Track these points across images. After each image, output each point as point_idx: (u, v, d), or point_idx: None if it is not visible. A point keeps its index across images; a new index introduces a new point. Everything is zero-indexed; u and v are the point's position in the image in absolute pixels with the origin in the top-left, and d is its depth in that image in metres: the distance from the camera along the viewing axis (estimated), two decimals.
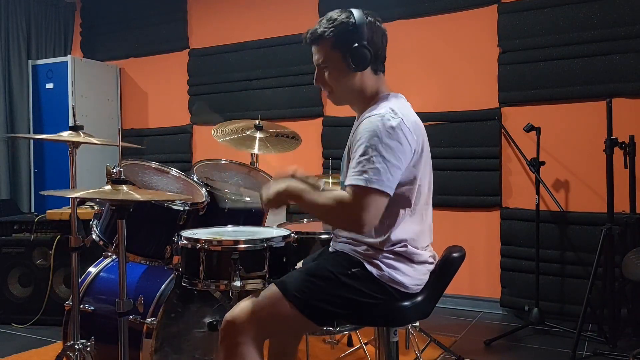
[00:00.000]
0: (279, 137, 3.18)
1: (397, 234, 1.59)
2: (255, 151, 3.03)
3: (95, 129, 4.75)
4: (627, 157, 3.07)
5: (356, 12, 1.63)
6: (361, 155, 1.50)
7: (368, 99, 1.68)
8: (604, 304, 3.11)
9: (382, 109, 1.56)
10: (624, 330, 3.09)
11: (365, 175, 1.47)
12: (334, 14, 1.65)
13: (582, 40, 3.47)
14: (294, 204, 1.62)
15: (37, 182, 5.00)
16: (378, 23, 1.66)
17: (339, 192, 1.52)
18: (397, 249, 1.59)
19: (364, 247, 1.61)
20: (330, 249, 1.75)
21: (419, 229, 1.64)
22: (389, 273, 1.57)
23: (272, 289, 1.61)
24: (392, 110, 1.55)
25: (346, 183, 1.51)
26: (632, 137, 3.08)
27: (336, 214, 1.52)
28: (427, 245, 1.69)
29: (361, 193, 1.47)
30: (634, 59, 3.33)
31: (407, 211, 1.61)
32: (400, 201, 1.59)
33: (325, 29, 1.63)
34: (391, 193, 1.50)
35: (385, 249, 1.59)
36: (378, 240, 1.59)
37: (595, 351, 2.92)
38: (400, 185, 1.56)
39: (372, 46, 1.62)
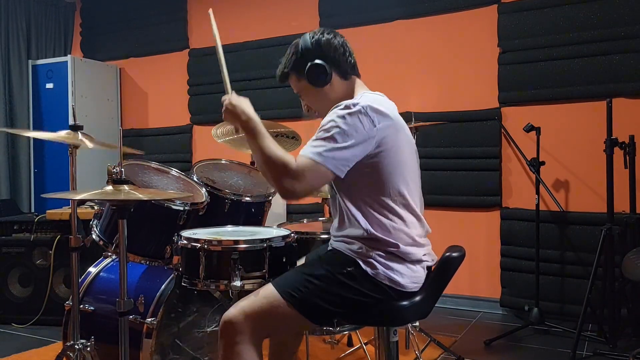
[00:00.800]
0: (279, 137, 3.18)
1: (384, 228, 1.60)
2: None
3: (95, 129, 4.78)
4: (627, 157, 3.07)
5: (302, 39, 1.75)
6: (318, 135, 1.56)
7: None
8: (604, 304, 3.11)
9: (348, 100, 1.62)
10: (624, 330, 3.09)
11: (320, 149, 1.52)
12: (289, 49, 1.79)
13: (582, 40, 3.47)
14: (241, 132, 1.67)
15: (37, 182, 5.00)
16: (327, 37, 1.73)
17: (287, 155, 1.55)
18: (390, 249, 1.59)
19: (358, 246, 1.61)
20: (328, 247, 1.75)
21: (407, 224, 1.63)
22: (383, 272, 1.57)
23: (269, 288, 1.62)
24: (357, 101, 1.60)
25: (301, 152, 1.56)
26: (632, 137, 3.08)
27: (274, 170, 1.55)
28: (422, 240, 1.68)
29: (306, 164, 1.52)
30: (634, 59, 3.34)
31: (391, 205, 1.61)
32: (380, 194, 1.60)
33: (284, 67, 1.79)
34: (337, 172, 1.54)
35: (378, 249, 1.59)
36: (365, 233, 1.60)
37: (595, 351, 2.92)
38: (375, 176, 1.59)
39: (327, 60, 1.71)
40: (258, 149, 1.59)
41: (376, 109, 1.59)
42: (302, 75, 1.74)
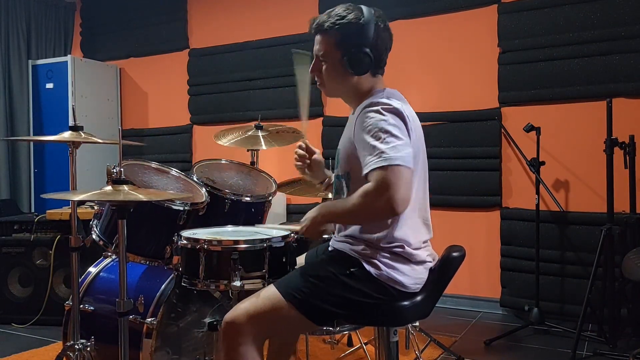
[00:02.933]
0: (280, 132, 3.20)
1: (394, 230, 1.59)
2: (263, 147, 3.04)
3: (95, 129, 4.75)
4: (627, 157, 3.07)
5: (366, 13, 1.60)
6: (374, 140, 1.48)
7: (362, 97, 1.67)
8: (604, 304, 3.10)
9: (380, 98, 1.57)
10: (624, 330, 3.09)
11: (385, 155, 1.44)
12: (344, 10, 1.61)
13: (582, 40, 3.47)
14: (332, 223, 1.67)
15: (37, 182, 4.99)
16: (386, 26, 1.64)
17: (360, 189, 1.47)
18: (395, 249, 1.59)
19: (362, 247, 1.60)
20: (329, 248, 1.75)
21: (416, 226, 1.64)
22: (387, 272, 1.57)
23: (271, 289, 1.61)
24: (390, 98, 1.58)
25: (366, 170, 1.47)
26: (632, 137, 3.08)
27: (369, 207, 1.45)
28: (426, 243, 1.69)
29: (385, 174, 1.43)
30: (634, 59, 3.33)
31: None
32: None
33: (332, 25, 1.61)
34: (411, 166, 1.47)
35: (383, 249, 1.59)
36: (376, 236, 1.59)
37: (595, 351, 2.92)
38: None
39: (375, 51, 1.61)
40: (345, 217, 1.58)
41: (407, 107, 1.59)
42: (341, 49, 1.60)
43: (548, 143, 3.51)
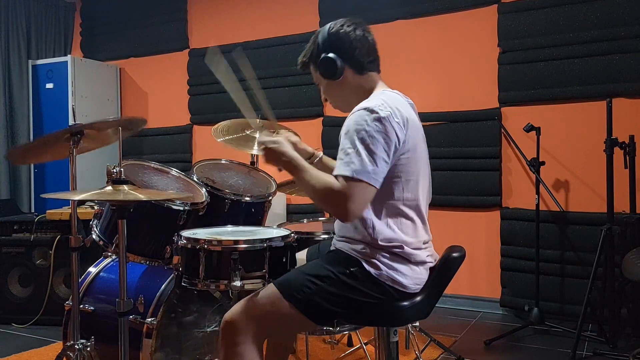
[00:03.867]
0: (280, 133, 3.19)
1: (391, 230, 1.59)
2: (254, 152, 3.03)
3: None
4: (627, 157, 3.07)
5: (322, 29, 1.72)
6: (348, 146, 1.53)
7: (363, 98, 1.69)
8: (604, 304, 3.11)
9: (372, 101, 1.58)
10: (624, 330, 3.09)
11: (353, 166, 1.50)
12: (311, 40, 1.77)
13: (582, 40, 3.47)
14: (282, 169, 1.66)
15: (37, 182, 4.99)
16: (346, 29, 1.70)
17: (329, 179, 1.53)
18: (394, 249, 1.59)
19: (362, 246, 1.61)
20: (331, 247, 1.75)
21: (414, 226, 1.64)
22: (387, 273, 1.57)
23: (271, 288, 1.61)
24: (383, 103, 1.57)
25: (334, 172, 1.53)
26: (632, 137, 3.08)
27: (324, 198, 1.54)
28: (426, 244, 1.69)
29: (347, 183, 1.49)
30: (634, 59, 3.33)
31: (400, 207, 1.61)
32: (391, 196, 1.60)
33: (303, 56, 1.78)
34: (377, 185, 1.52)
35: (382, 249, 1.59)
36: (371, 234, 1.59)
37: (595, 351, 2.92)
38: (391, 180, 1.57)
39: (341, 53, 1.68)
40: (305, 184, 1.59)
41: (401, 113, 1.58)
42: (315, 67, 1.74)
43: (548, 143, 3.51)
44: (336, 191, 1.50)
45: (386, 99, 1.60)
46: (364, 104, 1.58)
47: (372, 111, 1.53)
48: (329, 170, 1.72)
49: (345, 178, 1.50)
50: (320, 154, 1.90)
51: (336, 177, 1.52)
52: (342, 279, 1.58)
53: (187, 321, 2.23)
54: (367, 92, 1.70)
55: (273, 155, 1.64)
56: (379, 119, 1.52)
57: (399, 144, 1.56)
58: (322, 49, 1.69)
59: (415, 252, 1.62)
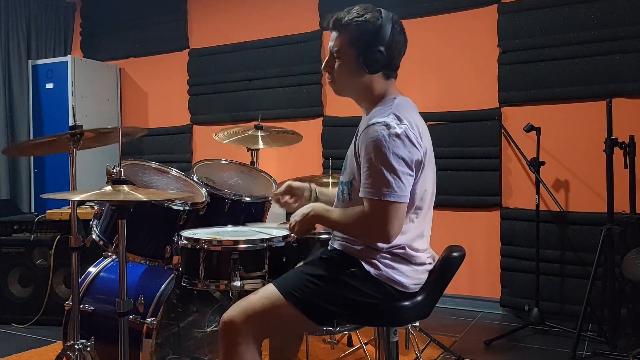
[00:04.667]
0: (280, 133, 3.21)
1: (399, 237, 1.58)
2: (260, 146, 3.05)
3: None
4: (627, 157, 3.07)
5: (384, 14, 1.63)
6: (371, 168, 1.51)
7: (374, 100, 1.68)
8: (604, 304, 3.11)
9: (387, 115, 1.55)
10: (624, 330, 3.09)
11: (382, 189, 1.48)
12: (363, 9, 1.63)
13: (582, 40, 3.47)
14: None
15: (37, 182, 4.99)
16: (402, 30, 1.67)
17: (359, 209, 1.54)
18: (396, 250, 1.59)
19: (361, 247, 1.61)
20: (328, 248, 1.75)
21: (420, 232, 1.64)
22: (386, 273, 1.57)
23: (270, 288, 1.61)
24: (397, 117, 1.54)
25: (362, 195, 1.53)
26: (632, 137, 3.08)
27: (361, 230, 1.56)
28: (426, 248, 1.69)
29: (379, 206, 1.49)
30: (634, 59, 3.33)
31: (411, 214, 1.61)
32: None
33: (350, 21, 1.62)
34: (406, 201, 1.52)
35: (382, 250, 1.59)
36: (372, 243, 1.59)
37: (595, 351, 2.92)
38: None
39: (389, 53, 1.62)
40: (337, 225, 1.62)
41: (416, 123, 1.57)
42: (356, 47, 1.61)
43: (548, 143, 3.51)
44: (370, 217, 1.51)
45: (398, 111, 1.57)
46: (379, 118, 1.54)
47: (388, 126, 1.51)
48: (330, 198, 1.80)
49: (376, 202, 1.49)
50: (314, 185, 1.92)
51: (365, 201, 1.52)
52: (342, 278, 1.58)
53: (187, 321, 2.23)
54: (379, 95, 1.67)
55: (302, 228, 1.69)
56: (397, 135, 1.50)
57: (421, 156, 1.55)
58: (379, 38, 1.59)
59: (417, 253, 1.62)
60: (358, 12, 1.62)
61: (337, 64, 1.66)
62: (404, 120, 1.54)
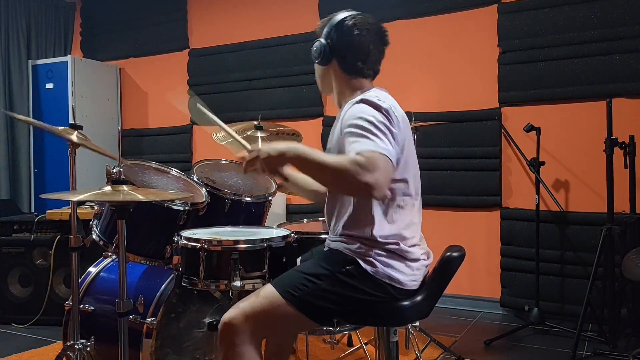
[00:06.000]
0: (280, 135, 3.19)
1: (384, 228, 1.59)
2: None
3: (95, 129, 4.79)
4: (627, 157, 3.07)
5: (342, 14, 1.72)
6: (361, 129, 1.48)
7: (345, 94, 1.75)
8: (604, 304, 3.11)
9: (369, 95, 1.61)
10: (624, 330, 3.09)
11: (371, 144, 1.45)
12: (335, 15, 1.75)
13: (582, 40, 3.47)
14: (288, 167, 1.54)
15: (37, 182, 5.00)
16: (356, 33, 1.69)
17: (353, 156, 1.43)
18: (390, 246, 1.60)
19: (357, 245, 1.61)
20: (324, 248, 1.75)
21: (410, 220, 1.65)
22: (383, 270, 1.57)
23: (269, 288, 1.61)
24: (379, 97, 1.59)
25: (355, 150, 1.44)
26: (632, 137, 3.08)
27: (352, 176, 1.39)
28: (420, 241, 1.69)
29: (377, 157, 1.42)
30: (634, 59, 3.33)
31: (392, 205, 1.62)
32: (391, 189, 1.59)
33: (317, 28, 1.78)
34: (392, 158, 1.47)
35: (378, 247, 1.59)
36: (370, 232, 1.60)
37: (595, 351, 2.92)
38: None
39: (336, 45, 1.70)
40: (318, 167, 1.47)
41: (397, 109, 1.61)
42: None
43: (548, 143, 3.51)
44: (365, 164, 1.39)
45: (378, 94, 1.63)
46: (362, 96, 1.60)
47: (371, 103, 1.55)
48: (302, 183, 1.82)
49: (370, 152, 1.42)
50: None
51: (359, 153, 1.43)
52: (339, 277, 1.58)
53: (187, 321, 2.23)
54: (352, 90, 1.74)
55: (272, 160, 1.52)
56: (380, 109, 1.54)
57: (401, 136, 1.57)
58: (327, 33, 1.72)
59: (411, 249, 1.63)
60: (326, 20, 1.75)
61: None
62: (386, 101, 1.59)
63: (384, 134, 1.49)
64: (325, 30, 1.72)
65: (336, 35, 1.71)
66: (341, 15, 1.72)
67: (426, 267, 1.69)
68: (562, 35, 3.53)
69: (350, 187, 1.45)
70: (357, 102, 1.59)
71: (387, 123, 1.52)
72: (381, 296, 1.58)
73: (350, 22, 1.70)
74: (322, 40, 1.71)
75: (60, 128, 2.18)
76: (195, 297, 2.22)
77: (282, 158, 1.51)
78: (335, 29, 1.71)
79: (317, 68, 1.80)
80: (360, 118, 1.52)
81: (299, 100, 4.42)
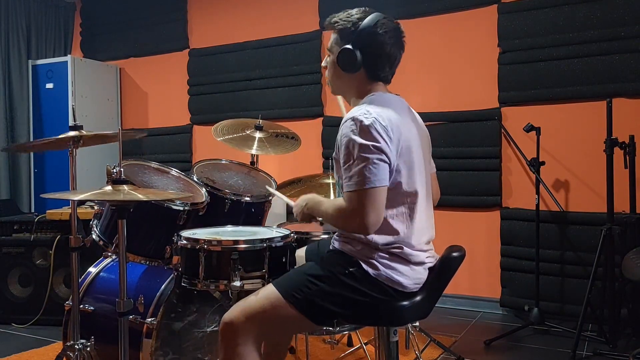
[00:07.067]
0: (279, 137, 3.19)
1: (386, 231, 1.58)
2: (254, 151, 3.04)
3: (95, 129, 4.76)
4: (627, 157, 3.07)
5: (370, 16, 1.65)
6: (345, 163, 1.55)
7: (359, 96, 1.72)
8: (604, 304, 3.11)
9: (359, 110, 1.58)
10: (624, 330, 3.09)
11: (355, 179, 1.51)
12: (357, 11, 1.69)
13: (582, 40, 3.47)
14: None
15: (37, 182, 4.99)
16: (388, 34, 1.66)
17: (339, 201, 1.59)
18: (393, 250, 1.59)
19: (360, 247, 1.61)
20: (330, 247, 1.75)
21: (416, 228, 1.63)
22: (385, 272, 1.57)
23: (270, 289, 1.62)
24: (367, 112, 1.56)
25: (345, 191, 1.56)
26: (632, 137, 3.08)
27: (341, 221, 1.59)
28: (426, 245, 1.68)
29: (355, 198, 1.51)
30: (634, 59, 3.33)
31: (402, 209, 1.60)
32: (388, 198, 1.58)
33: (338, 21, 1.69)
34: (385, 183, 1.52)
35: (381, 250, 1.59)
36: (374, 238, 1.59)
37: (595, 351, 2.92)
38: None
39: (367, 55, 1.65)
40: (323, 217, 1.68)
41: (388, 116, 1.57)
42: (339, 45, 1.68)
43: (548, 143, 3.51)
44: (346, 209, 1.54)
45: (369, 106, 1.59)
46: (351, 113, 1.59)
47: (355, 120, 1.55)
48: None
49: (352, 194, 1.52)
50: None
51: (344, 194, 1.55)
52: (341, 279, 1.58)
53: (187, 321, 2.23)
54: (363, 93, 1.71)
55: (302, 217, 1.77)
56: (364, 126, 1.52)
57: (391, 148, 1.55)
58: (357, 39, 1.64)
59: (415, 253, 1.62)
60: (349, 13, 1.68)
61: (328, 62, 1.75)
62: (372, 113, 1.56)
63: (366, 160, 1.50)
64: (353, 37, 1.64)
65: (367, 42, 1.64)
66: (370, 20, 1.64)
67: (430, 269, 1.68)
68: (562, 35, 3.53)
69: (347, 230, 1.63)
70: (348, 119, 1.57)
71: (374, 142, 1.51)
72: (382, 298, 1.58)
73: (381, 31, 1.64)
74: (350, 46, 1.63)
75: (61, 136, 2.18)
76: (195, 297, 2.22)
77: (304, 214, 1.75)
78: (368, 36, 1.63)
79: (336, 71, 1.71)
80: (344, 145, 1.55)
81: (299, 100, 4.42)
